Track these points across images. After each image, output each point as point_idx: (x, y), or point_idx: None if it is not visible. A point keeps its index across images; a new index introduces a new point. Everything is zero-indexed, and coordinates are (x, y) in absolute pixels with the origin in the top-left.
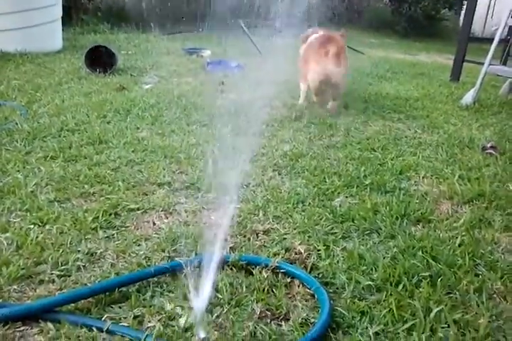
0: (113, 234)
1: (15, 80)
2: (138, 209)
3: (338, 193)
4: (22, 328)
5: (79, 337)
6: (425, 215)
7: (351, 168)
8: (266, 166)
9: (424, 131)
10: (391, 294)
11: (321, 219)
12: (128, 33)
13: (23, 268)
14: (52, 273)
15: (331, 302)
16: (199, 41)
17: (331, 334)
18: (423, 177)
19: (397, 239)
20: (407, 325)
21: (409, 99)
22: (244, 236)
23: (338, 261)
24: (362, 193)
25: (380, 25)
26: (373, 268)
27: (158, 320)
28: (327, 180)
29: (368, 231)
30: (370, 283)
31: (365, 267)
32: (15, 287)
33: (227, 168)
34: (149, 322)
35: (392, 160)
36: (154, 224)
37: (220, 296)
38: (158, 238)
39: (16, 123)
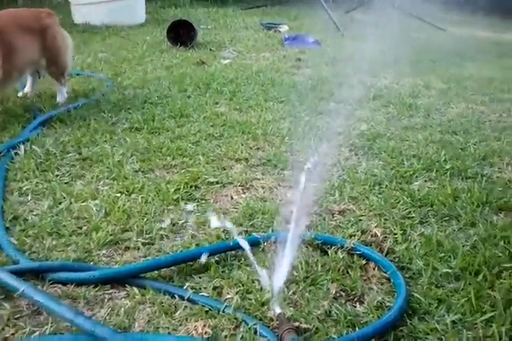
0: (194, 206)
1: (101, 53)
2: (217, 182)
3: (417, 177)
4: (110, 291)
5: (162, 303)
6: (509, 204)
7: (431, 151)
8: (342, 145)
9: (510, 115)
10: (470, 283)
11: (398, 203)
12: (207, 8)
13: (111, 234)
14: (137, 241)
15: (407, 287)
16: (276, 16)
17: (407, 320)
18: (507, 164)
19: (478, 227)
20: (485, 316)
21: (493, 80)
22: (320, 216)
23: (415, 246)
24: (442, 178)
25: (464, 2)
26: (452, 256)
27: (237, 292)
28: (405, 163)
29: (447, 218)
30: (448, 270)
31: (443, 254)
32: (104, 252)
33: (304, 145)
34: (228, 293)
35: (474, 144)
36: (232, 198)
37: (295, 274)
38: (236, 212)
39: (103, 95)
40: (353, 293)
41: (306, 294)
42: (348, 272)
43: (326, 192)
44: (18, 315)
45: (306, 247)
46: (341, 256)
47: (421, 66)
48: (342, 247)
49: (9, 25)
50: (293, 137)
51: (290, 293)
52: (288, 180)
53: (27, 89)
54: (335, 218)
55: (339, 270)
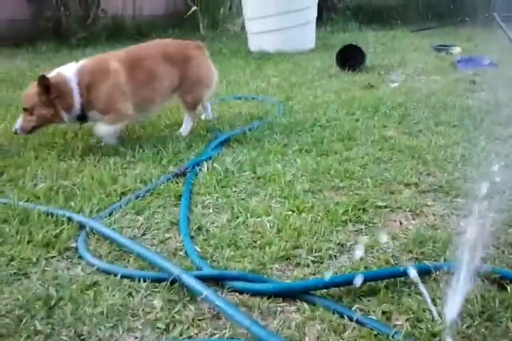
0: (361, 229)
1: (274, 78)
2: (385, 207)
3: None
4: (282, 304)
5: (331, 321)
6: None
7: None
8: None
9: None
10: None
11: None
12: (375, 31)
13: (283, 250)
14: (307, 258)
15: None
16: (447, 37)
17: None
18: None
19: None
20: None
21: None
22: (498, 248)
23: None
24: None
25: None
26: None
27: (406, 320)
28: None
29: None
30: None
31: None
32: (276, 266)
33: (479, 173)
34: (397, 320)
35: None
36: (401, 223)
37: (470, 307)
38: (405, 238)
39: (275, 118)
40: None
41: (482, 330)
42: None
43: (504, 223)
44: (201, 317)
45: (482, 281)
46: None
47: None
48: None
49: (153, 53)
50: (467, 163)
51: (464, 326)
52: (462, 208)
53: (204, 114)
54: None
55: None
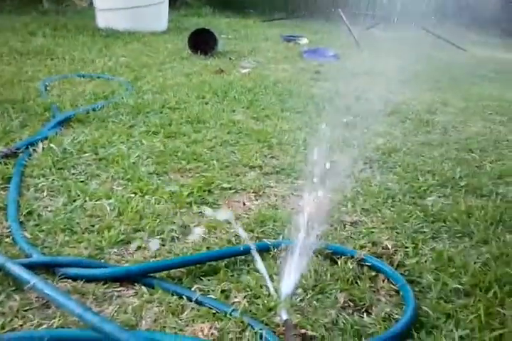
0: (206, 210)
1: (123, 57)
2: (230, 188)
3: (431, 192)
4: (119, 289)
5: (170, 303)
6: None
7: (446, 167)
8: (357, 158)
9: None
10: (479, 300)
11: (410, 217)
12: (229, 18)
13: (123, 234)
14: (148, 241)
15: (416, 300)
16: (297, 29)
17: (414, 333)
18: None
19: (491, 245)
20: (495, 333)
21: None
22: (332, 226)
23: (425, 261)
24: (456, 195)
25: (485, 23)
26: (463, 272)
27: (244, 297)
28: (420, 178)
29: (460, 234)
30: (458, 286)
31: (453, 269)
32: (115, 250)
33: (319, 156)
34: (235, 297)
35: (490, 163)
36: (244, 204)
37: (304, 282)
38: (247, 218)
39: (122, 98)
40: (361, 303)
41: (314, 302)
42: (357, 282)
43: (338, 203)
44: (27, 307)
45: (316, 256)
46: (351, 267)
47: (439, 84)
48: (352, 258)
49: None
50: (308, 147)
51: (298, 300)
52: (301, 189)
53: None
54: (346, 229)
55: (348, 280)
